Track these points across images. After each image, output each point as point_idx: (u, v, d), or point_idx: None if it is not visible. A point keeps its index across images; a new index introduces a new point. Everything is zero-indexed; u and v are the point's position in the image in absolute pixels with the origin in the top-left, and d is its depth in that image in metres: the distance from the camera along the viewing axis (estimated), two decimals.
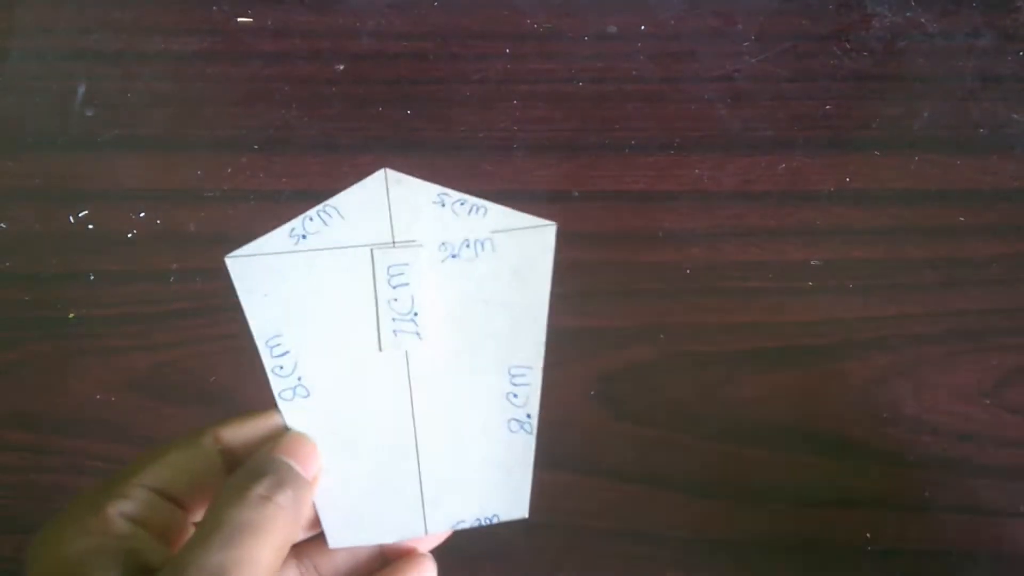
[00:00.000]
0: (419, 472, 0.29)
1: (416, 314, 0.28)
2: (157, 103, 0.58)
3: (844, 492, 0.49)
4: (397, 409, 0.29)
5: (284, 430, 0.28)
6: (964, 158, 0.56)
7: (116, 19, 0.60)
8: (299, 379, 0.28)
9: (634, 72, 0.58)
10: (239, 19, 0.60)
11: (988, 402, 0.51)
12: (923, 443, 0.51)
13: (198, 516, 0.27)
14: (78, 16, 0.60)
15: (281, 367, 0.28)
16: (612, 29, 0.59)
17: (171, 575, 0.22)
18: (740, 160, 0.56)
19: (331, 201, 0.29)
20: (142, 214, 0.55)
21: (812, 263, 0.54)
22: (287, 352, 0.28)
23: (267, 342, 0.28)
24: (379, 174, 0.29)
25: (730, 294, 0.53)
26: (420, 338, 0.28)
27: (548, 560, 0.49)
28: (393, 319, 0.28)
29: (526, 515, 0.32)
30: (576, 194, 0.55)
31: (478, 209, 0.29)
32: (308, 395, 0.28)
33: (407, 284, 0.28)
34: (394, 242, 0.28)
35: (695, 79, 0.58)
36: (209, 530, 0.22)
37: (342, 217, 0.28)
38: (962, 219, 0.55)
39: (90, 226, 0.55)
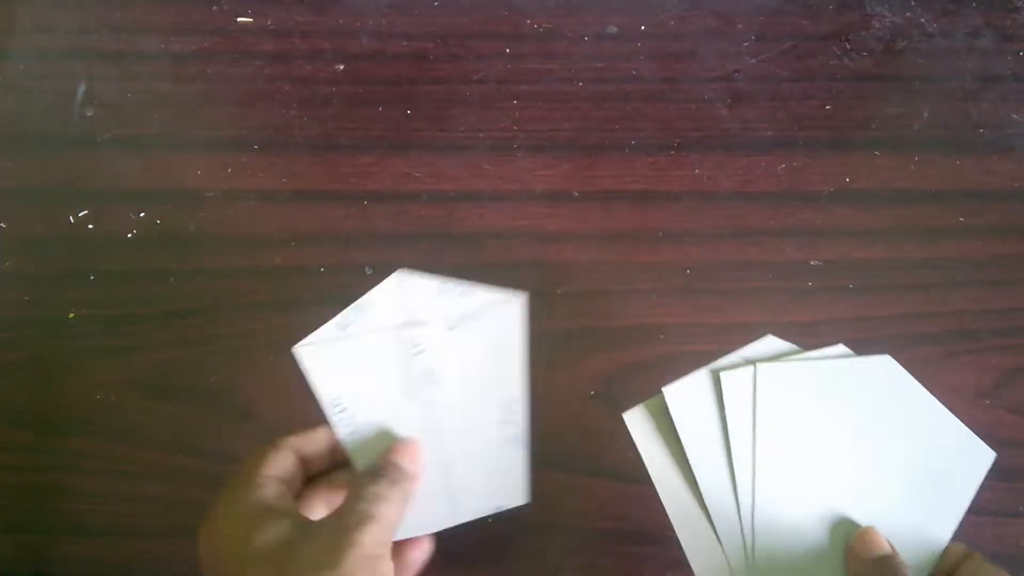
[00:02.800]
0: (447, 479, 0.39)
1: (431, 371, 0.38)
2: (157, 103, 0.58)
3: None
4: (425, 438, 0.39)
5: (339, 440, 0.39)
6: (964, 158, 0.56)
7: (116, 19, 0.60)
8: (354, 427, 0.38)
9: (634, 72, 0.58)
10: (239, 19, 0.60)
11: (988, 402, 0.51)
12: None
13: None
14: (78, 16, 0.60)
15: (342, 419, 0.38)
16: (612, 29, 0.59)
17: (338, 513, 0.34)
18: (740, 160, 0.56)
19: (361, 300, 0.38)
20: (142, 214, 0.55)
21: (812, 263, 0.54)
22: (345, 409, 0.38)
23: (332, 403, 0.38)
24: (394, 277, 0.38)
25: (730, 294, 0.53)
26: (437, 387, 0.38)
27: (548, 560, 0.49)
28: (416, 376, 0.38)
29: (526, 500, 0.40)
30: (576, 194, 0.55)
31: (466, 292, 0.38)
32: (360, 437, 0.38)
33: (424, 352, 0.38)
34: (409, 323, 0.38)
35: (695, 79, 0.58)
36: (357, 493, 0.35)
37: (370, 310, 0.38)
38: (962, 219, 0.55)
39: (90, 226, 0.55)
